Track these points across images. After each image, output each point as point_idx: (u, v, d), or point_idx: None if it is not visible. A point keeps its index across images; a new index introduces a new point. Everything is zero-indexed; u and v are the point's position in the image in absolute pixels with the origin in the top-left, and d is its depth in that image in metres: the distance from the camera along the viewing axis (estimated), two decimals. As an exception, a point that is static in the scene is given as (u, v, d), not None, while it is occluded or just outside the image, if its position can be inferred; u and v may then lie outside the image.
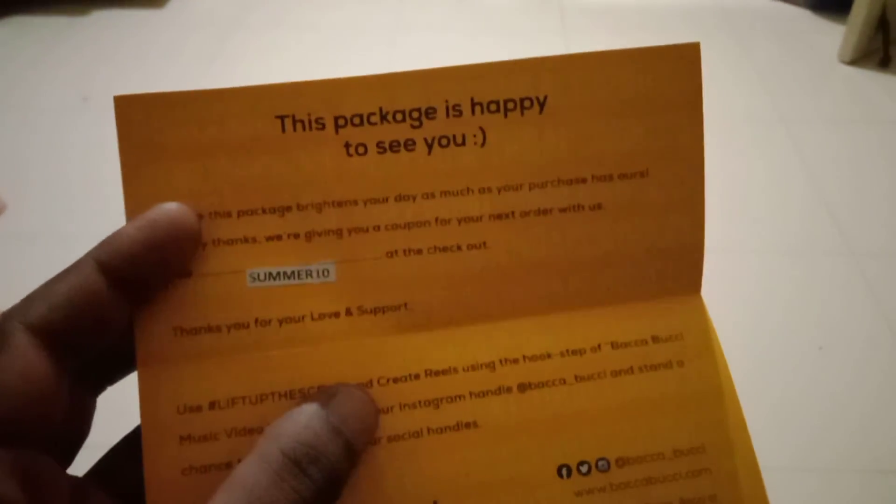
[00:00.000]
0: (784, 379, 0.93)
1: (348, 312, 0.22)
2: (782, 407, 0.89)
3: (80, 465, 0.22)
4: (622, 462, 0.22)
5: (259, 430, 0.21)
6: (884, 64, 1.52)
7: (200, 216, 0.21)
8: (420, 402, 0.22)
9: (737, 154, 1.30)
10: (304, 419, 0.19)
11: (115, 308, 0.21)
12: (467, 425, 0.22)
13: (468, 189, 0.22)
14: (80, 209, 1.17)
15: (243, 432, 0.21)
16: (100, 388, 0.23)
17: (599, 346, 0.23)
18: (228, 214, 0.22)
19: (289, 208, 0.22)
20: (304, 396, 0.21)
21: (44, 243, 1.13)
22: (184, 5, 1.76)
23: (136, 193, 0.21)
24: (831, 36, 1.60)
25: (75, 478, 0.22)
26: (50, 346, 0.20)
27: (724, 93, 1.45)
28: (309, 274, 0.22)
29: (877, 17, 1.49)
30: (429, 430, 0.22)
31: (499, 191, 0.22)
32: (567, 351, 0.22)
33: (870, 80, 1.49)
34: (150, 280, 0.21)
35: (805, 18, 1.71)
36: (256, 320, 0.22)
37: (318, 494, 0.19)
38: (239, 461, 0.20)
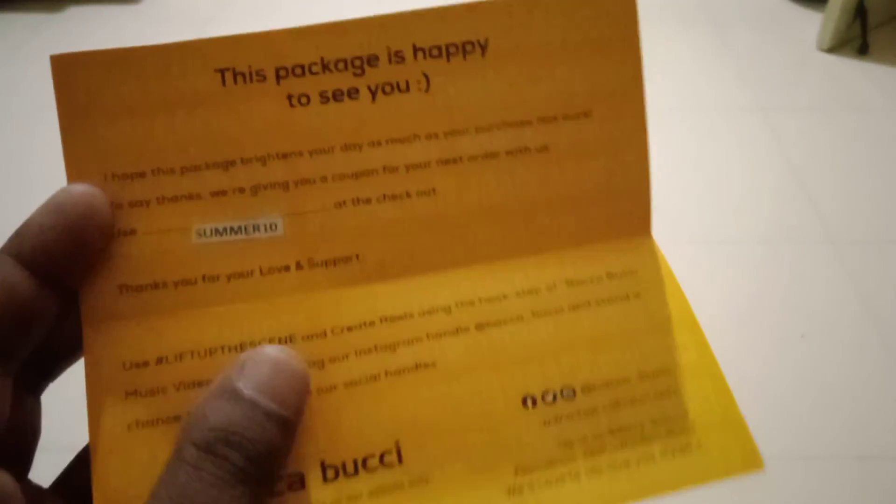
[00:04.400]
0: (767, 367, 0.93)
1: (298, 266, 0.22)
2: (765, 395, 0.89)
3: (47, 471, 0.22)
4: (588, 388, 0.22)
5: (208, 382, 0.20)
6: (862, 51, 1.53)
7: (143, 174, 0.21)
8: (376, 346, 0.22)
9: (715, 143, 1.30)
10: (214, 402, 0.19)
11: (40, 300, 0.20)
12: (426, 366, 0.22)
13: (414, 135, 0.22)
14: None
15: (192, 385, 0.21)
16: (40, 386, 0.22)
17: (555, 284, 0.23)
18: (172, 171, 0.21)
19: (233, 162, 0.21)
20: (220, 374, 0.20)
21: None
22: (159, 0, 1.75)
23: (77, 154, 0.21)
24: (809, 24, 1.60)
25: (34, 488, 0.21)
26: None
27: (702, 82, 1.45)
28: (256, 228, 0.22)
29: (855, 4, 1.50)
30: (386, 373, 0.21)
31: (445, 136, 0.22)
32: (522, 291, 0.22)
33: (848, 68, 1.50)
34: (68, 266, 0.20)
35: (783, 6, 1.72)
36: (204, 276, 0.21)
37: (242, 473, 0.18)
38: (188, 415, 0.19)
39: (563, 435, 0.21)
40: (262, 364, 0.19)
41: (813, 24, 1.58)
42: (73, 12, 1.72)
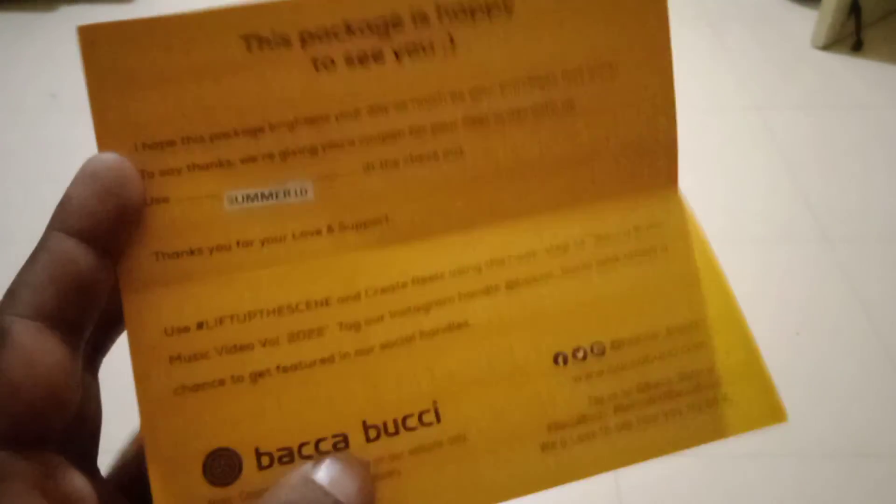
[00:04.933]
0: (761, 365, 0.93)
1: (329, 230, 0.22)
2: (760, 393, 0.89)
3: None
4: (617, 344, 0.22)
5: (250, 347, 0.21)
6: (856, 49, 1.53)
7: (173, 142, 0.21)
8: (409, 308, 0.22)
9: (710, 140, 1.30)
10: (290, 483, 0.19)
11: (96, 269, 0.20)
12: (458, 326, 0.22)
13: (440, 96, 0.22)
14: (50, 209, 1.15)
15: (234, 349, 0.21)
16: (96, 362, 0.22)
17: (583, 240, 0.23)
18: (201, 139, 0.21)
19: (261, 129, 0.22)
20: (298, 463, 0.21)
21: (10, 243, 1.11)
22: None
23: (106, 125, 0.21)
24: (804, 21, 1.60)
25: (103, 484, 0.21)
26: (51, 329, 0.19)
27: (696, 79, 1.46)
28: (287, 193, 0.22)
29: (849, 1, 1.50)
30: (421, 333, 0.22)
31: (471, 95, 0.22)
32: (552, 248, 0.23)
33: (843, 65, 1.50)
34: (112, 232, 0.20)
35: (777, 4, 1.72)
36: (238, 242, 0.22)
37: None
38: (232, 378, 0.20)
39: (594, 391, 0.22)
40: (336, 461, 0.20)
41: (807, 22, 1.58)
42: (66, 12, 1.72)
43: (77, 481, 0.19)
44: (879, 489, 0.83)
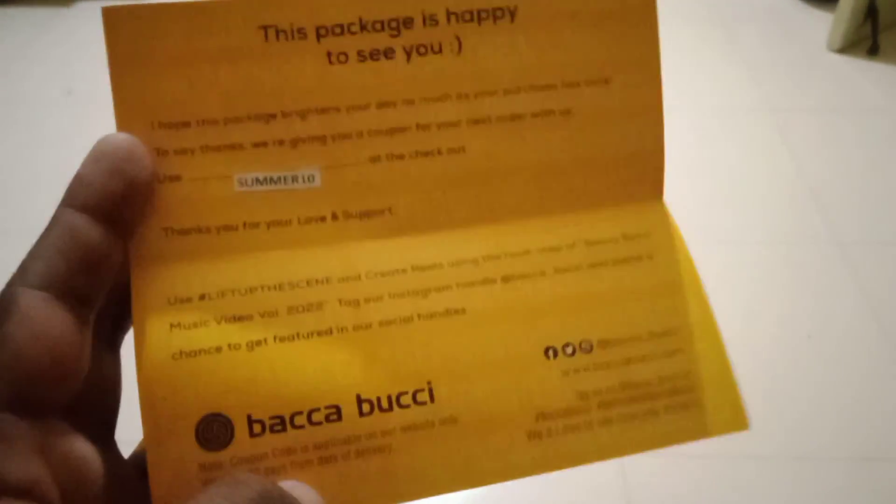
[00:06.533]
0: (773, 368, 0.93)
1: (334, 217, 0.23)
2: (771, 395, 0.89)
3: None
4: (603, 344, 0.23)
5: (249, 318, 0.22)
6: (872, 52, 1.52)
7: (188, 123, 0.22)
8: (409, 291, 0.23)
9: (723, 143, 1.30)
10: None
11: (105, 244, 0.20)
12: (456, 311, 0.23)
13: (446, 95, 0.23)
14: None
15: (233, 319, 0.22)
16: (117, 339, 0.22)
17: (575, 243, 0.24)
18: (215, 122, 0.22)
19: (273, 116, 0.22)
20: None
21: (25, 237, 1.12)
22: (169, -4, 1.75)
23: (126, 103, 0.22)
24: (820, 24, 1.60)
25: (116, 457, 0.21)
26: (59, 300, 0.19)
27: (710, 81, 1.45)
28: (295, 179, 0.23)
29: (865, 4, 1.49)
30: (419, 315, 0.23)
31: (475, 96, 0.23)
32: (545, 248, 0.24)
33: (858, 69, 1.49)
34: (120, 209, 0.21)
35: (793, 6, 1.71)
36: (245, 223, 0.22)
37: None
38: (229, 346, 0.21)
39: (581, 386, 0.23)
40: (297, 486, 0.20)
41: (823, 25, 1.57)
42: (82, 7, 1.73)
43: (83, 449, 0.19)
44: (889, 493, 0.83)
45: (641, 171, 0.25)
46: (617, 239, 0.24)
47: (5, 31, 1.64)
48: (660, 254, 0.24)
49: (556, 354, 0.23)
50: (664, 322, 0.24)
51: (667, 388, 0.23)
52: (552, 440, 0.22)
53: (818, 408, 0.89)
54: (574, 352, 0.23)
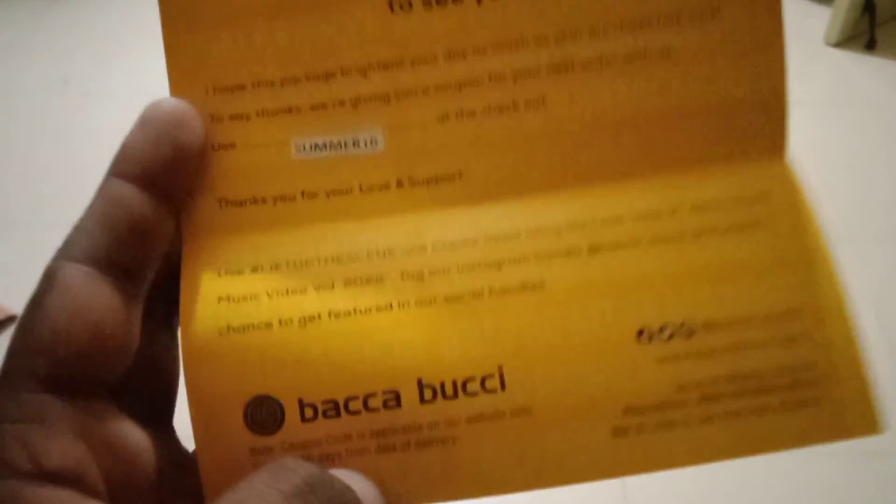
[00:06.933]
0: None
1: (399, 184, 0.21)
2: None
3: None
4: (709, 326, 0.20)
5: (302, 291, 0.20)
6: (870, 47, 1.52)
7: (243, 86, 0.21)
8: (480, 263, 0.20)
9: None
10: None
11: (154, 214, 0.19)
12: (533, 286, 0.20)
13: (523, 40, 0.20)
14: (61, 195, 1.15)
15: (286, 292, 0.20)
16: (173, 319, 0.21)
17: (677, 208, 0.20)
18: (272, 83, 0.21)
19: (333, 74, 0.21)
20: None
21: (22, 230, 1.11)
22: (165, -13, 1.74)
23: (179, 68, 0.21)
24: (817, 18, 1.59)
25: (174, 445, 0.20)
26: (103, 274, 0.18)
27: (710, 76, 1.45)
28: (356, 143, 0.21)
29: (863, -1, 1.49)
30: (490, 290, 0.20)
31: (556, 40, 0.20)
32: (641, 214, 0.20)
33: (856, 63, 1.49)
34: (170, 179, 0.20)
35: (790, 0, 1.71)
36: (303, 192, 0.21)
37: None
38: (279, 321, 0.19)
39: (680, 376, 0.20)
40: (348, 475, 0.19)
41: (820, 19, 1.57)
42: (78, 0, 1.72)
43: (132, 433, 0.18)
44: (886, 488, 0.83)
45: (758, 123, 0.21)
46: (728, 202, 0.21)
47: (1, 21, 1.63)
48: (781, 221, 0.21)
49: (651, 338, 0.20)
50: (785, 302, 0.20)
51: (786, 380, 0.20)
52: (641, 438, 0.19)
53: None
54: (672, 335, 0.20)
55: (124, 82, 1.42)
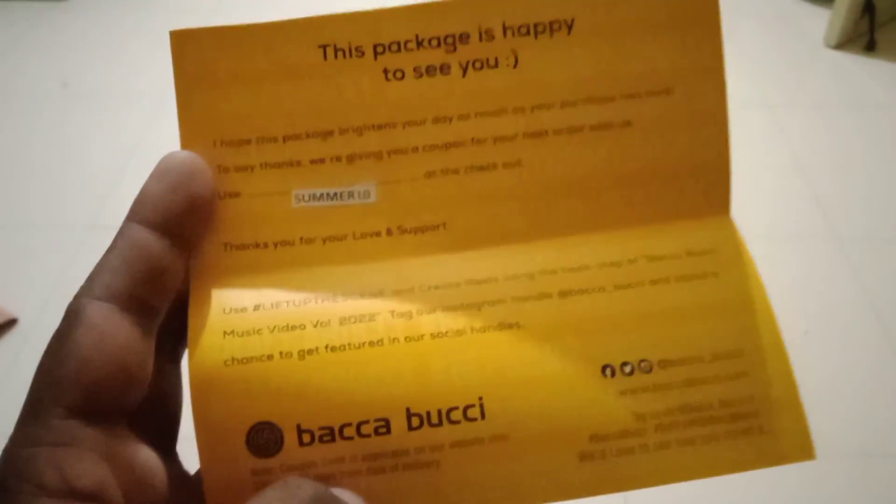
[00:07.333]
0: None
1: (389, 232, 0.23)
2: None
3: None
4: (664, 364, 0.22)
5: (301, 327, 0.22)
6: (869, 48, 1.53)
7: (249, 141, 0.23)
8: (462, 304, 0.22)
9: (722, 139, 1.30)
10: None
11: (168, 257, 0.21)
12: (510, 325, 0.22)
13: (502, 109, 0.23)
14: (60, 197, 1.15)
15: (286, 328, 0.22)
16: (178, 352, 0.23)
17: (636, 259, 0.23)
18: (275, 139, 0.23)
19: (331, 132, 0.23)
20: None
21: (21, 232, 1.11)
22: (164, -11, 1.74)
23: (190, 122, 0.23)
24: (817, 20, 1.60)
25: (178, 469, 0.22)
26: (124, 310, 0.20)
27: (709, 77, 1.45)
28: (351, 195, 0.23)
29: (862, 1, 1.49)
30: (472, 329, 0.22)
31: (532, 109, 0.23)
32: (604, 264, 0.23)
33: (855, 65, 1.50)
34: (183, 224, 0.22)
35: (790, 2, 1.71)
36: (301, 238, 0.23)
37: None
38: (280, 354, 0.21)
39: (638, 407, 0.22)
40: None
41: (820, 21, 1.57)
42: (77, 1, 1.72)
43: (147, 458, 0.20)
44: (887, 489, 0.83)
45: (706, 184, 0.24)
46: (681, 255, 0.23)
47: (0, 24, 1.63)
48: (727, 271, 0.23)
49: (613, 373, 0.22)
50: (730, 343, 0.23)
51: (729, 412, 0.22)
52: (605, 462, 0.22)
53: (815, 403, 0.89)
54: (633, 371, 0.22)
55: (123, 84, 1.42)
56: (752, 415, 0.22)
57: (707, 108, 0.24)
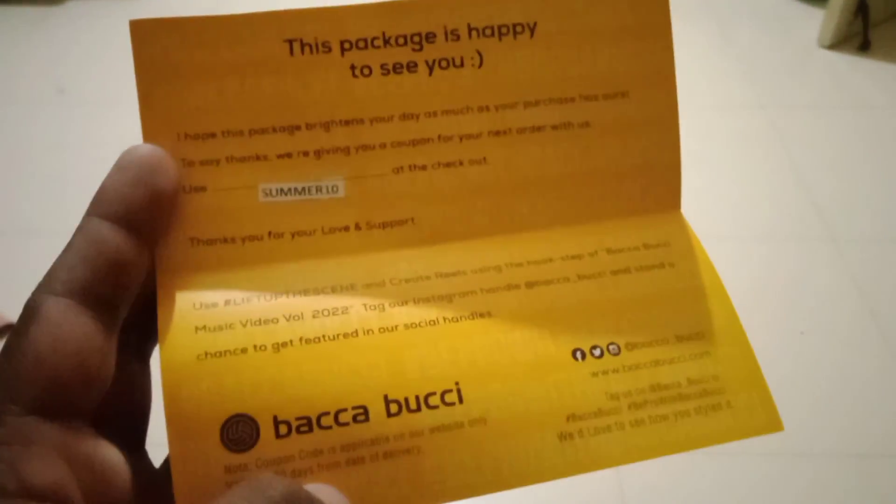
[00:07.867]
0: (766, 364, 0.93)
1: (357, 227, 0.23)
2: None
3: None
4: (631, 346, 0.23)
5: (274, 321, 0.22)
6: (863, 48, 1.53)
7: (213, 134, 0.23)
8: (433, 296, 0.23)
9: (716, 140, 1.30)
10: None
11: (130, 251, 0.21)
12: (481, 315, 0.23)
13: (467, 107, 0.24)
14: (56, 204, 1.15)
15: (259, 322, 0.22)
16: (146, 350, 0.23)
17: (596, 251, 0.24)
18: (241, 133, 0.23)
19: (298, 127, 0.23)
20: None
21: (15, 239, 1.11)
22: (160, -6, 1.74)
23: (152, 115, 0.22)
24: (811, 20, 1.60)
25: (146, 466, 0.21)
26: (83, 306, 0.19)
27: (703, 78, 1.45)
28: (319, 189, 0.23)
29: (856, 1, 1.50)
30: (444, 319, 0.23)
31: (496, 108, 0.24)
32: (567, 256, 0.24)
33: (849, 65, 1.50)
34: (146, 218, 0.21)
35: (784, 3, 1.71)
36: (270, 233, 0.23)
37: None
38: (254, 347, 0.21)
39: (610, 387, 0.23)
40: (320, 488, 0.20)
41: (814, 21, 1.58)
42: (74, 6, 1.72)
43: (110, 456, 0.20)
44: (884, 490, 0.83)
45: (659, 183, 0.25)
46: (638, 248, 0.25)
47: (-5, 29, 1.63)
48: (681, 262, 0.25)
49: (583, 356, 0.23)
50: (689, 327, 0.24)
51: (697, 389, 0.23)
52: (583, 441, 0.22)
53: (811, 404, 0.89)
54: (602, 354, 0.23)
55: (119, 91, 1.42)
56: (718, 392, 0.23)
57: (659, 111, 0.25)
